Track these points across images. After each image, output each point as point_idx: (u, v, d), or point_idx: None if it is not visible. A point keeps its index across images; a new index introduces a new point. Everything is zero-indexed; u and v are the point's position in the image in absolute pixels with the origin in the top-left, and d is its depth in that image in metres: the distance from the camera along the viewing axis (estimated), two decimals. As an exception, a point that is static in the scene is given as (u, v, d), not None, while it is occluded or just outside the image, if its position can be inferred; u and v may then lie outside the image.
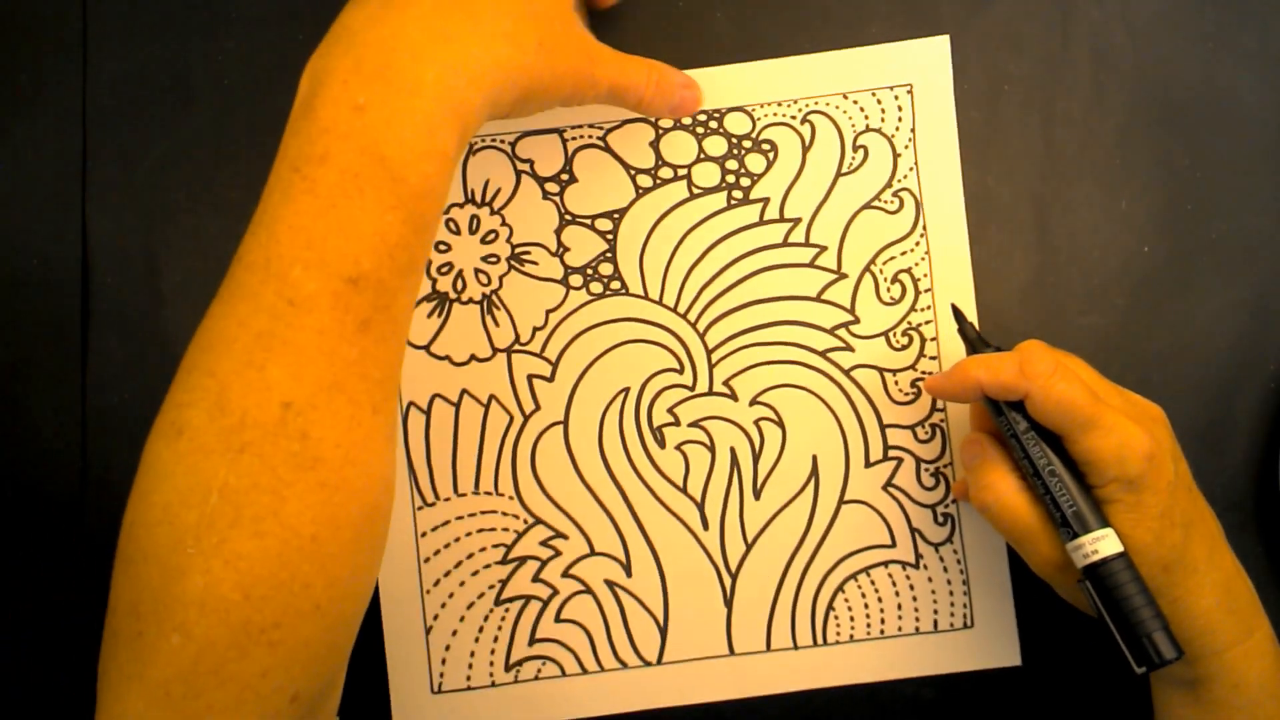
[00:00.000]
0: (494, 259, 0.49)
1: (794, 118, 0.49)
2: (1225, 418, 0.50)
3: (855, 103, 0.49)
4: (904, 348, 0.49)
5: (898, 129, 0.49)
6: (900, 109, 0.49)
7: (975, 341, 0.45)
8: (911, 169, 0.49)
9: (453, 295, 0.49)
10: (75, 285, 0.49)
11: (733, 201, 0.49)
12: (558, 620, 0.49)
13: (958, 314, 0.46)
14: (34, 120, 0.49)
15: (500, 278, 0.49)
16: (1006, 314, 0.50)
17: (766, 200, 0.49)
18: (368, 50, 0.36)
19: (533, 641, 0.49)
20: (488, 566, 0.49)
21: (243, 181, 0.49)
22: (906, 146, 0.49)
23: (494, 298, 0.49)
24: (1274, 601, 0.44)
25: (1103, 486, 0.41)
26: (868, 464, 0.49)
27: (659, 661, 0.49)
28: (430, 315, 0.49)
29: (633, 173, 0.49)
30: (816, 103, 0.49)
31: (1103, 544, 0.40)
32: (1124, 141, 0.50)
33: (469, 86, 0.37)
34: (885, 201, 0.49)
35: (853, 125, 0.49)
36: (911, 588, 0.49)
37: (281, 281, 0.35)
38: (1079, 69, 0.50)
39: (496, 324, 0.49)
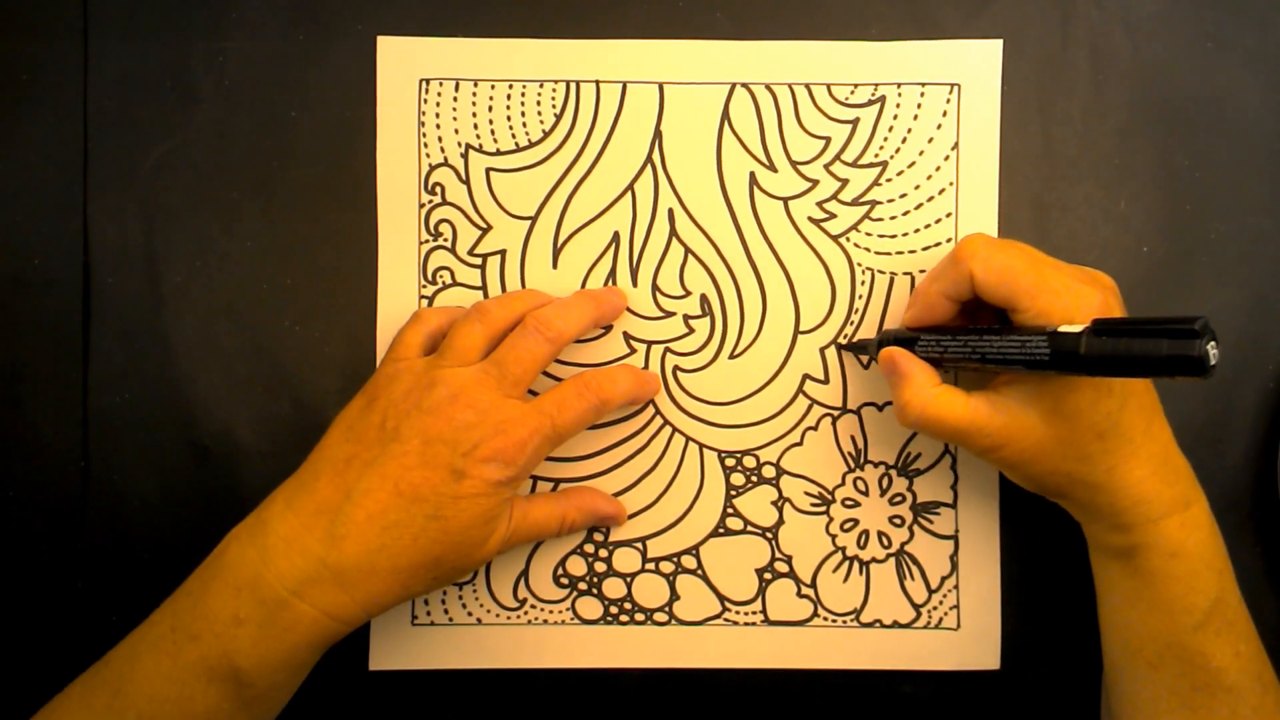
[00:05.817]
0: None
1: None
2: (1225, 418, 0.50)
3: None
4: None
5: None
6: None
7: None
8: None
9: None
10: (75, 285, 0.49)
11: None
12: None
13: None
14: (34, 120, 0.49)
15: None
16: (1006, 314, 0.50)
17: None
18: (268, 572, 0.40)
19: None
20: None
21: (243, 181, 0.49)
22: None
23: None
24: (1273, 601, 0.44)
25: None
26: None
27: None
28: None
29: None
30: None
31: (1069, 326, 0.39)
32: (1124, 141, 0.50)
33: (343, 627, 0.41)
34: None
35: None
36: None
37: None
38: (1079, 69, 0.50)
39: None
